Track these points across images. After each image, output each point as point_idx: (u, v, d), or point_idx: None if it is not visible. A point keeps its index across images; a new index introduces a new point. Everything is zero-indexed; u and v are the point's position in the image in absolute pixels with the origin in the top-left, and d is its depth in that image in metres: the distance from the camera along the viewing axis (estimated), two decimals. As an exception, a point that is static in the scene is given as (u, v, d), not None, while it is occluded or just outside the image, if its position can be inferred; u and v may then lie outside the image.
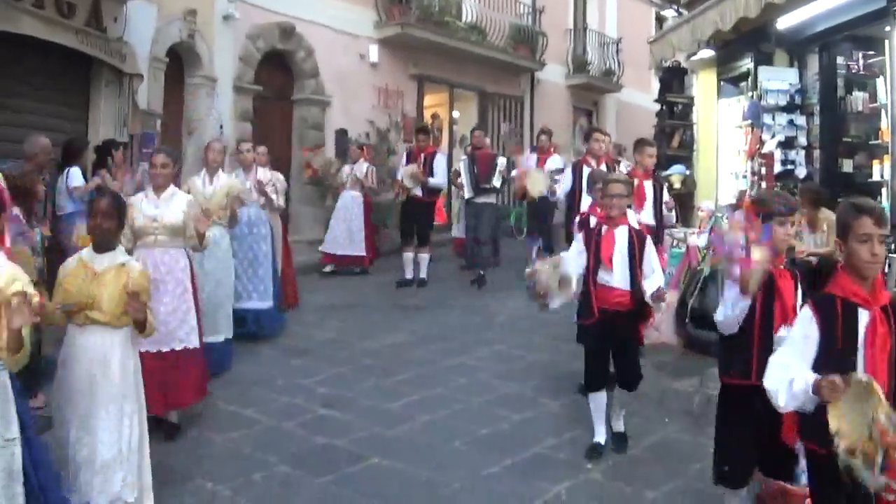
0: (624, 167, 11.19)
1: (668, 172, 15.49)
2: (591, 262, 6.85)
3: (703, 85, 16.57)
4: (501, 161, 14.54)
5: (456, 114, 23.28)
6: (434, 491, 6.19)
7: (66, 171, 9.77)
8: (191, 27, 14.93)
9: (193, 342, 7.40)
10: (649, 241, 6.99)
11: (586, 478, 6.49)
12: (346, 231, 15.26)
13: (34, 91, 11.54)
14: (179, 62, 15.33)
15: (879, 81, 10.86)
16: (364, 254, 15.35)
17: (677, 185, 15.28)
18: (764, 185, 12.25)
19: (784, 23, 12.63)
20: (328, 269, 15.43)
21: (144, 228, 7.34)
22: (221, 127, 15.66)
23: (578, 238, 7.08)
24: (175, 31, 14.64)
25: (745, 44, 13.90)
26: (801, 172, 12.30)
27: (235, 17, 16.05)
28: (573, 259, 6.92)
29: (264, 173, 11.24)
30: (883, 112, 10.68)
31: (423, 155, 14.18)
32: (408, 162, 14.28)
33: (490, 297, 13.14)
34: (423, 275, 14.48)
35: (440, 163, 14.34)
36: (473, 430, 7.48)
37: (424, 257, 14.52)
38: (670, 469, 6.54)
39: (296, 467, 6.56)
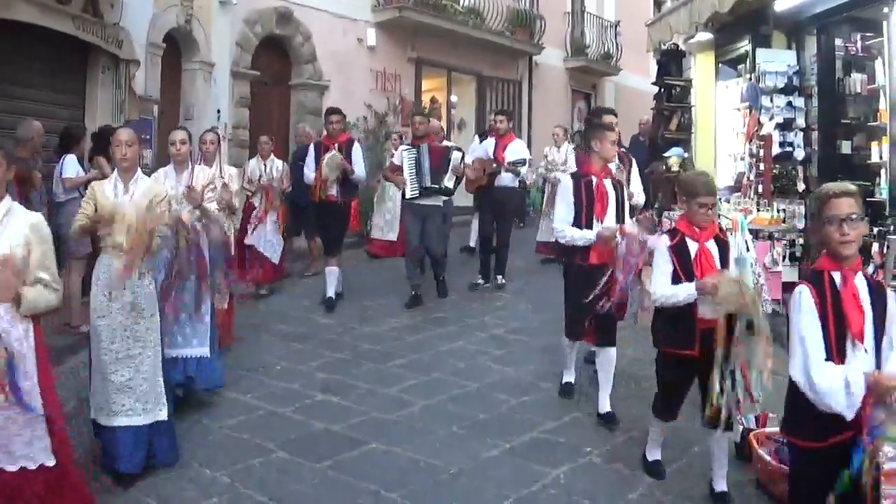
0: None
1: (666, 155, 15.46)
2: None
3: (701, 67, 16.53)
4: (456, 155, 11.85)
5: (454, 98, 23.25)
6: (433, 475, 6.20)
7: (62, 158, 9.75)
8: (188, 12, 14.87)
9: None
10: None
11: (585, 461, 6.50)
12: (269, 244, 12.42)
13: (31, 78, 11.50)
14: (176, 48, 15.28)
15: (878, 63, 10.82)
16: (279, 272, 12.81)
17: (675, 168, 15.24)
18: (762, 166, 12.24)
19: (782, 4, 12.60)
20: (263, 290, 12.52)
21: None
22: (219, 112, 15.64)
23: (665, 256, 5.91)
24: (172, 17, 14.59)
25: (743, 26, 13.87)
26: (800, 154, 12.27)
27: (232, 2, 15.98)
28: (664, 280, 5.90)
29: (204, 171, 8.34)
30: (881, 93, 10.65)
31: (335, 143, 11.52)
32: (317, 156, 11.49)
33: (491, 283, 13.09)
34: (331, 291, 11.81)
35: (358, 153, 11.83)
36: (472, 414, 7.50)
37: (334, 270, 11.85)
38: (669, 452, 6.53)
39: (294, 453, 6.57)
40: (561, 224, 7.38)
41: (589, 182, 7.37)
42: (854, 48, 11.81)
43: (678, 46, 16.95)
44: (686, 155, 15.83)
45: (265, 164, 12.52)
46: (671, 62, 17.33)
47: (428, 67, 22.02)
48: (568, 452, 6.63)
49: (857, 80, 11.65)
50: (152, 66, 13.99)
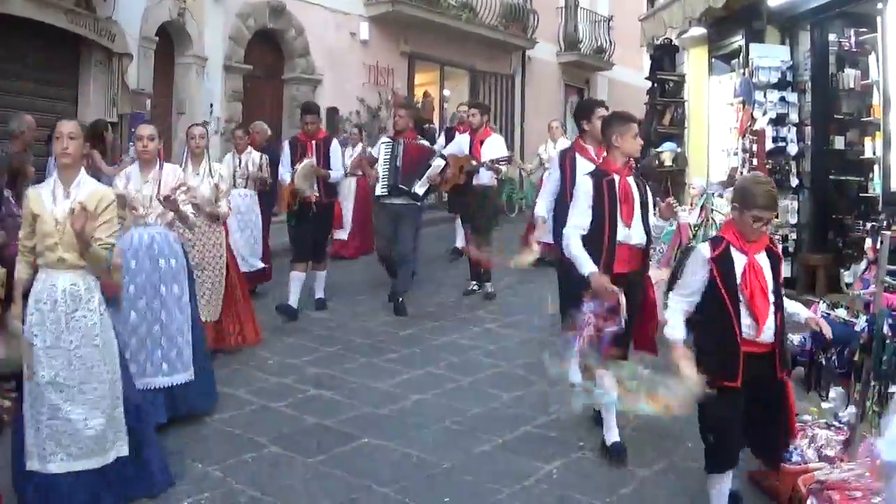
0: None
1: (659, 149, 15.48)
2: (730, 306, 5.05)
3: (694, 62, 16.51)
4: (438, 163, 10.99)
5: (447, 92, 23.25)
6: (425, 470, 6.18)
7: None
8: (180, 6, 14.88)
9: None
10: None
11: (577, 456, 6.49)
12: (248, 242, 11.48)
13: (23, 71, 11.50)
14: (169, 42, 15.28)
15: (871, 58, 10.82)
16: (265, 265, 11.84)
17: (668, 163, 15.27)
18: (756, 161, 12.24)
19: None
20: None
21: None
22: (212, 105, 15.63)
23: (696, 268, 5.20)
24: (165, 11, 14.59)
25: (736, 21, 13.85)
26: (793, 150, 12.27)
27: (225, -5, 15.98)
28: (683, 305, 5.28)
29: (174, 172, 7.35)
30: (875, 89, 10.65)
31: (313, 142, 10.82)
32: (293, 155, 10.80)
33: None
34: (320, 293, 11.38)
35: (336, 152, 11.04)
36: (464, 409, 7.48)
37: (322, 275, 11.36)
38: (662, 448, 6.54)
39: (286, 448, 6.55)
40: (573, 232, 6.25)
41: (611, 181, 6.30)
42: (848, 43, 11.81)
43: (671, 41, 16.96)
44: (679, 150, 15.86)
45: (240, 159, 11.56)
46: (664, 57, 17.36)
47: (421, 62, 22.05)
48: (560, 447, 6.62)
49: (850, 76, 11.64)
50: (145, 60, 13.99)
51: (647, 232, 6.43)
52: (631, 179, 6.37)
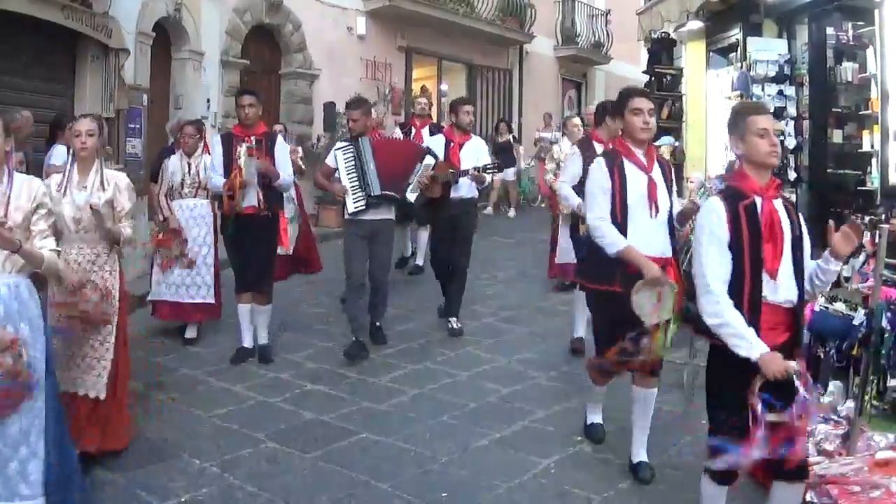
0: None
1: (657, 143, 15.46)
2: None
3: (691, 56, 16.53)
4: (429, 162, 9.05)
5: (444, 87, 23.23)
6: (423, 465, 6.18)
7: (51, 147, 9.69)
8: (177, 1, 14.84)
9: None
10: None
11: (576, 450, 6.49)
12: (196, 269, 9.32)
13: (19, 67, 11.45)
14: (166, 37, 15.25)
15: (869, 52, 10.83)
16: (213, 300, 9.38)
17: (666, 157, 15.26)
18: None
19: (773, -7, 12.61)
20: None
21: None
22: (209, 101, 15.61)
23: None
24: (161, 6, 14.54)
25: (733, 14, 13.87)
26: (791, 143, 12.28)
27: (222, -10, 15.96)
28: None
29: (117, 179, 6.23)
30: (872, 82, 10.66)
31: (251, 137, 8.52)
32: (226, 151, 8.56)
33: (479, 270, 13.01)
34: (263, 338, 8.98)
35: (283, 152, 8.83)
36: (462, 403, 7.48)
37: (265, 311, 8.99)
38: (660, 441, 6.51)
39: (284, 443, 6.54)
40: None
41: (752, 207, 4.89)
42: (845, 37, 11.83)
43: (669, 35, 16.96)
44: (677, 144, 15.85)
45: (189, 164, 9.24)
46: (662, 51, 17.38)
47: (418, 56, 22.04)
48: (558, 442, 6.62)
49: (848, 69, 11.66)
50: (141, 56, 13.94)
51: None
52: (779, 203, 4.66)
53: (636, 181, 5.76)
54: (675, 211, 6.09)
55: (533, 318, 10.30)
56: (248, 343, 8.86)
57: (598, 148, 8.05)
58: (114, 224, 5.98)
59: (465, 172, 9.40)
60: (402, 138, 11.93)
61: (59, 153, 9.60)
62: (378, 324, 9.46)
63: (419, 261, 12.98)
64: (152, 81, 14.36)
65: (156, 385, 7.80)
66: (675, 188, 6.12)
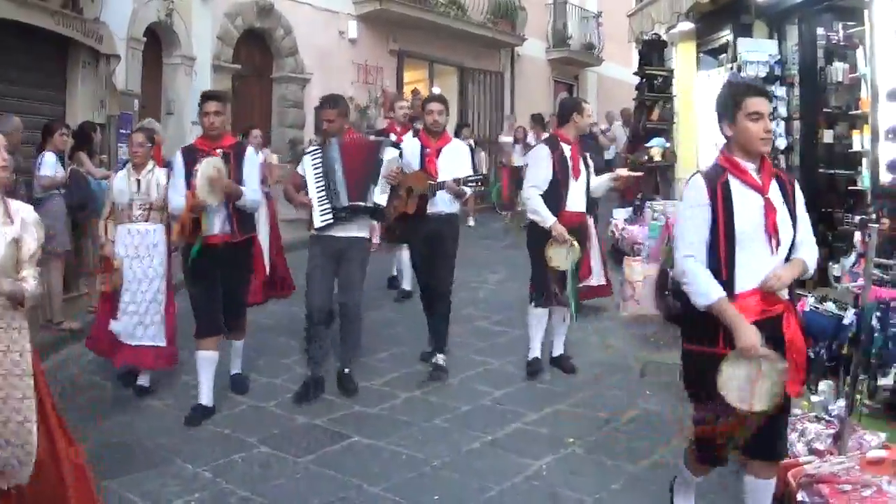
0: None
1: (648, 145, 15.51)
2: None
3: (682, 57, 16.52)
4: (391, 154, 7.79)
5: (436, 90, 23.21)
6: (415, 468, 6.18)
7: (41, 155, 9.66)
8: (168, 6, 14.88)
9: None
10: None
11: (567, 452, 6.48)
12: (144, 306, 7.77)
13: (10, 73, 11.46)
14: (157, 42, 15.28)
15: (859, 52, 10.83)
16: (163, 343, 7.82)
17: (657, 158, 15.29)
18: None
19: (763, -7, 12.62)
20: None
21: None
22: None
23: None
24: (152, 11, 14.58)
25: (724, 15, 13.87)
26: (782, 143, 12.28)
27: (213, -5, 15.98)
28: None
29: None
30: (863, 82, 10.65)
31: (218, 151, 7.28)
32: (188, 169, 7.13)
33: (471, 273, 13.01)
34: (237, 367, 8.07)
35: (253, 163, 7.56)
36: (454, 406, 7.49)
37: (239, 346, 7.99)
38: (651, 442, 6.54)
39: (276, 448, 6.55)
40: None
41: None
42: (836, 37, 11.81)
43: (659, 37, 16.97)
44: (668, 145, 15.87)
45: (138, 180, 7.78)
46: (652, 52, 17.38)
47: (410, 59, 22.12)
48: (550, 444, 6.61)
49: (838, 69, 11.64)
50: (133, 61, 13.98)
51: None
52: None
53: (748, 206, 4.32)
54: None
55: (524, 321, 10.29)
56: (206, 400, 7.29)
57: (567, 149, 8.11)
58: (17, 273, 4.41)
59: (442, 185, 8.11)
60: None
61: (48, 163, 9.57)
62: (347, 370, 7.92)
63: (406, 284, 11.76)
64: (144, 87, 14.40)
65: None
66: (801, 210, 4.58)
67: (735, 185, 4.35)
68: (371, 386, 8.08)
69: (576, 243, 7.87)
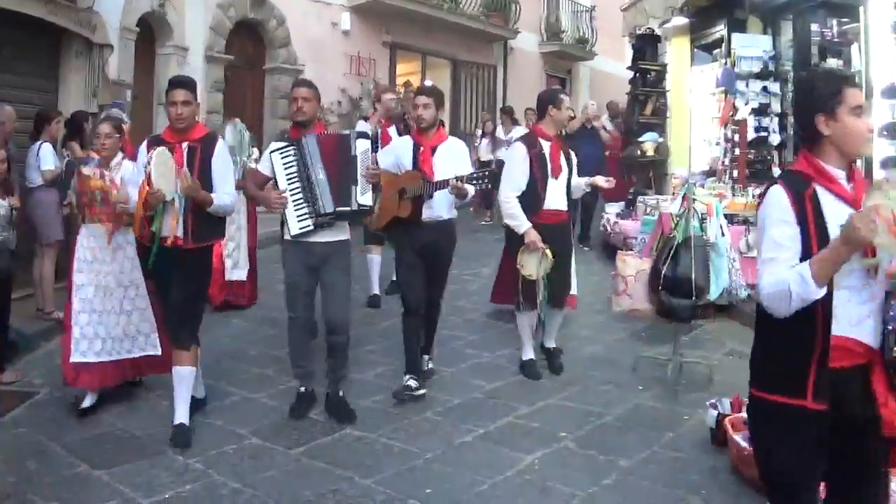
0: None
1: (641, 139, 15.52)
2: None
3: (676, 52, 16.56)
4: (362, 145, 6.83)
5: (429, 82, 23.21)
6: (407, 461, 6.16)
7: (37, 144, 9.61)
8: (161, -4, 14.83)
9: None
10: None
11: (559, 446, 6.47)
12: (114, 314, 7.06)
13: (3, 63, 11.39)
14: (150, 32, 15.24)
15: (854, 48, 10.85)
16: (157, 351, 7.25)
17: (650, 153, 15.30)
18: (737, 151, 12.26)
19: (757, -11, 12.63)
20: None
21: None
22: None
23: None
24: (145, 1, 14.56)
25: (718, 10, 13.90)
26: (775, 139, 12.31)
27: (206, -15, 15.93)
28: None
29: None
30: (857, 79, 10.68)
31: (184, 144, 6.46)
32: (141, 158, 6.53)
33: (463, 266, 12.96)
34: (181, 415, 6.53)
35: (224, 161, 6.65)
36: (446, 399, 7.47)
37: (186, 374, 6.55)
38: (644, 437, 6.54)
39: (268, 439, 6.53)
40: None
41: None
42: (830, 33, 11.85)
43: (653, 31, 16.99)
44: (661, 139, 15.89)
45: (105, 175, 7.06)
46: (646, 47, 17.41)
47: (402, 52, 22.09)
48: (542, 438, 6.60)
49: (832, 66, 11.68)
50: (126, 51, 13.94)
51: None
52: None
53: (841, 220, 3.28)
54: None
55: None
56: (182, 418, 6.57)
57: (546, 145, 7.86)
58: None
59: (445, 184, 7.07)
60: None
61: (48, 154, 9.54)
62: (341, 393, 7.21)
63: (374, 289, 11.06)
64: (136, 77, 14.35)
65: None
66: None
67: (825, 197, 3.46)
68: (363, 378, 8.09)
69: (548, 252, 7.62)
